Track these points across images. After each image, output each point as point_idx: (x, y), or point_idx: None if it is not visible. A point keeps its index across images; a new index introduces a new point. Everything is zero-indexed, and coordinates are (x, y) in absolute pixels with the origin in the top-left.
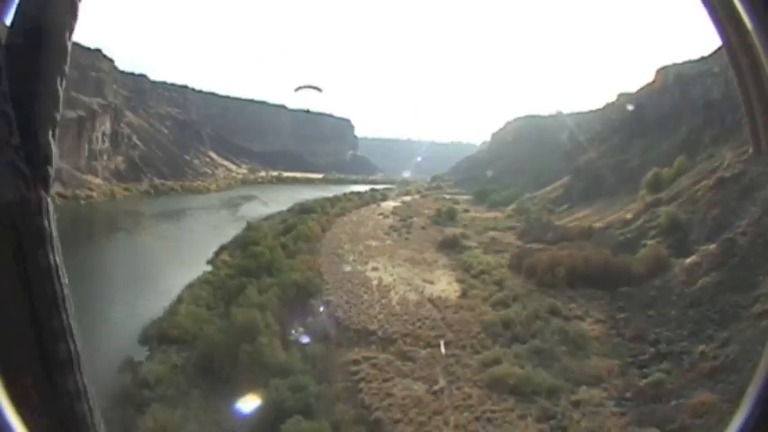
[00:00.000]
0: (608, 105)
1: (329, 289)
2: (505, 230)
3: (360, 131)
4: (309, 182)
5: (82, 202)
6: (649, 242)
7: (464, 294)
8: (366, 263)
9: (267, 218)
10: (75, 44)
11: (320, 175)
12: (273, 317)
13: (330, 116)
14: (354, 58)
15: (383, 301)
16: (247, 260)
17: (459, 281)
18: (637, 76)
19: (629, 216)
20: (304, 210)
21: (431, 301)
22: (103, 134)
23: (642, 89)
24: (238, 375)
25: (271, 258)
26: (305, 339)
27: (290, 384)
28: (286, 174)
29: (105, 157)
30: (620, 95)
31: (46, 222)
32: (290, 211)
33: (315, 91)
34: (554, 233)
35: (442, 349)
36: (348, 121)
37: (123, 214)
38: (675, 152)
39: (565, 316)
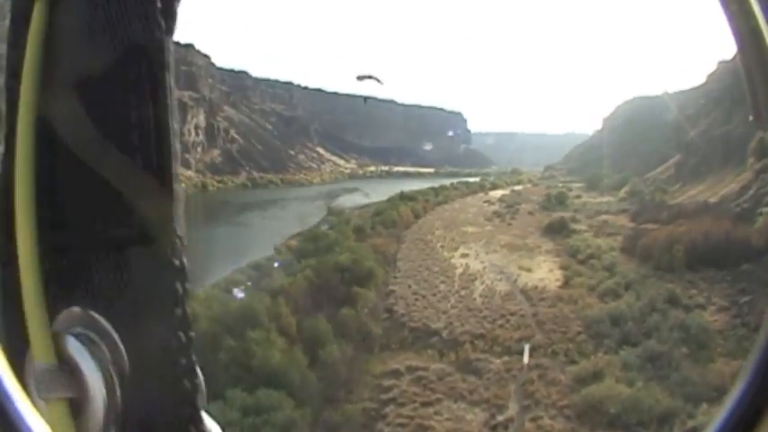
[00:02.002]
0: (710, 76)
1: (398, 277)
2: (618, 213)
3: (473, 126)
4: (420, 176)
5: None
6: (765, 210)
7: (566, 283)
8: (455, 249)
9: (363, 207)
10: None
11: (431, 169)
12: (292, 304)
13: (441, 110)
14: (465, 51)
15: (462, 292)
16: (307, 243)
17: (563, 268)
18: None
19: (739, 187)
20: (403, 198)
21: (523, 292)
22: (196, 127)
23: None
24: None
25: (331, 241)
26: (330, 337)
27: (242, 404)
28: (396, 168)
29: (199, 149)
30: (720, 63)
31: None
32: (389, 200)
33: (377, 82)
34: (668, 212)
35: (525, 357)
36: (460, 114)
37: (209, 204)
38: None
39: (685, 305)
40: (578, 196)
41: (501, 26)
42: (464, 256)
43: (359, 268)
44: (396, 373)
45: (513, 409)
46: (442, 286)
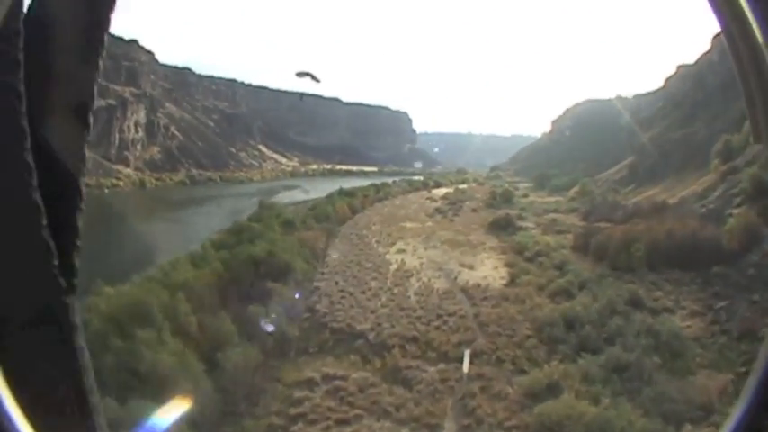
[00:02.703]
0: (668, 80)
1: (325, 272)
2: (568, 213)
3: (419, 126)
4: (364, 174)
5: (106, 190)
6: (735, 211)
7: (512, 282)
8: (392, 244)
9: (300, 203)
10: (109, 34)
11: (375, 168)
12: (195, 301)
13: (386, 109)
14: (412, 52)
15: (396, 290)
16: (229, 236)
17: (508, 265)
18: (695, 47)
19: (702, 189)
20: (341, 194)
21: (464, 290)
22: (136, 124)
23: (701, 58)
24: None
25: (254, 234)
26: (234, 339)
27: (107, 417)
28: (339, 167)
29: (139, 146)
30: (680, 67)
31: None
32: (328, 197)
33: (314, 80)
34: (623, 211)
35: (465, 365)
36: (405, 114)
37: (143, 201)
38: (743, 118)
39: (650, 308)
40: (525, 195)
41: (448, 27)
42: (401, 251)
43: (276, 261)
44: (310, 383)
45: (449, 429)
46: (374, 283)
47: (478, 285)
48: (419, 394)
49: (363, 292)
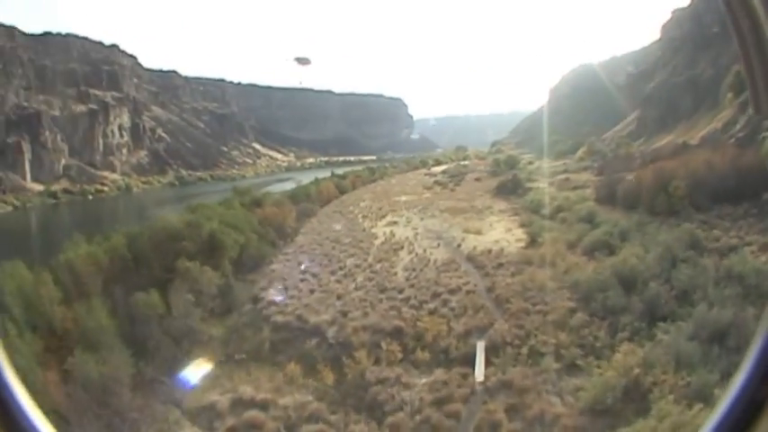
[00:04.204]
0: (664, 26)
1: (289, 253)
2: (579, 171)
3: (416, 112)
4: (362, 163)
5: (90, 197)
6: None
7: (533, 242)
8: (382, 217)
9: (288, 191)
10: (85, 39)
11: (374, 157)
12: (73, 286)
13: (380, 96)
14: (404, 38)
15: (378, 266)
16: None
17: (524, 225)
18: None
19: (722, 124)
20: (332, 177)
21: (471, 259)
22: (120, 127)
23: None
24: None
25: (208, 213)
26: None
27: None
28: (336, 158)
29: (125, 151)
30: (674, 12)
31: None
32: (314, 181)
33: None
34: (641, 159)
35: (479, 369)
36: (400, 100)
37: (124, 204)
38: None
39: (715, 250)
40: (530, 162)
41: (438, 11)
42: (391, 224)
43: (209, 239)
44: (209, 411)
45: None
46: (350, 261)
47: (489, 251)
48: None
49: (333, 273)
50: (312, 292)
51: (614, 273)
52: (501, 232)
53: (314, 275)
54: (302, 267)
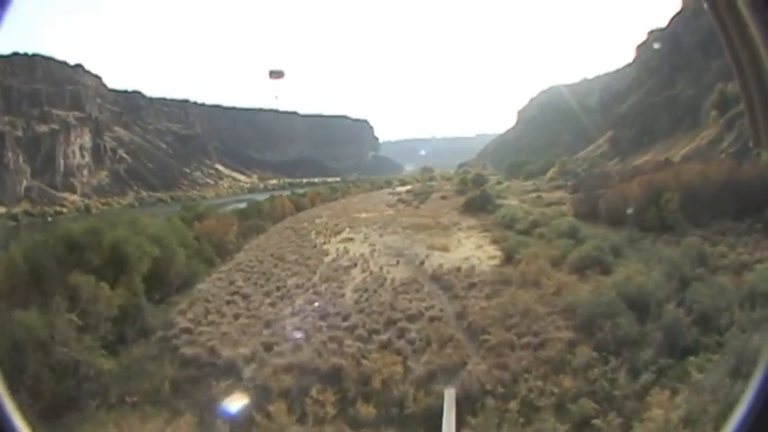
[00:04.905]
0: (639, 47)
1: (223, 270)
2: (551, 190)
3: (382, 135)
4: (327, 185)
5: (49, 218)
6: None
7: (509, 259)
8: (337, 234)
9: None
10: (50, 59)
11: (338, 179)
12: None
13: (345, 118)
14: (368, 61)
15: (324, 287)
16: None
17: (497, 241)
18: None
19: (706, 142)
20: (292, 196)
21: (436, 278)
22: (82, 148)
23: (673, 20)
24: None
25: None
26: None
27: None
28: (301, 180)
29: (86, 172)
30: (650, 33)
31: None
32: (269, 198)
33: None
34: (621, 176)
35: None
36: (366, 121)
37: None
38: (729, 69)
39: (726, 267)
40: (499, 182)
41: (404, 34)
42: (346, 240)
43: (116, 251)
44: None
45: None
46: (292, 280)
47: (458, 269)
48: None
49: (268, 294)
50: (237, 317)
51: (620, 294)
52: (471, 249)
53: (244, 297)
54: (232, 288)
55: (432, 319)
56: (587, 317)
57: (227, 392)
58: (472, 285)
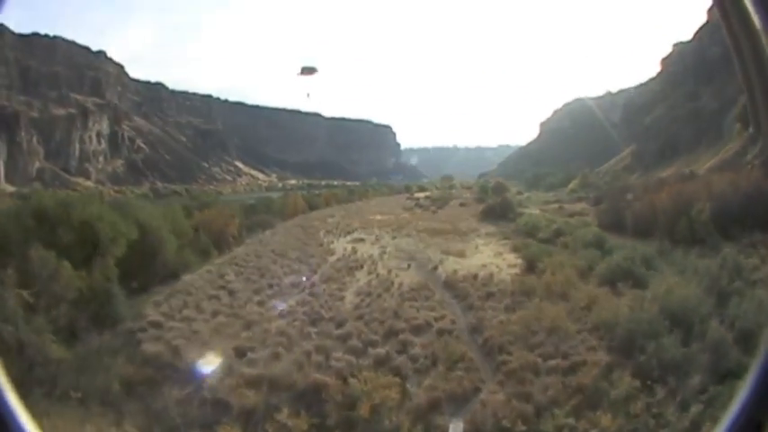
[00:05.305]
0: (664, 60)
1: (217, 263)
2: (573, 202)
3: (404, 142)
4: (346, 188)
5: None
6: None
7: (531, 268)
8: (347, 234)
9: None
10: (72, 43)
11: (358, 183)
12: None
13: (369, 122)
14: (395, 67)
15: (322, 287)
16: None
17: (517, 249)
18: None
19: (731, 155)
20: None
21: (450, 285)
22: (99, 134)
23: (698, 33)
24: None
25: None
26: None
27: None
28: (319, 182)
29: (101, 159)
30: (675, 46)
31: None
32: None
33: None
34: (644, 189)
35: None
36: (389, 127)
37: None
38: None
39: (762, 281)
40: (519, 193)
41: (431, 41)
42: (356, 241)
43: (75, 225)
44: None
45: None
46: (288, 279)
47: (474, 277)
48: None
49: (258, 291)
50: (215, 314)
51: (662, 310)
52: (489, 256)
53: (230, 293)
54: (220, 282)
55: (440, 333)
56: (624, 336)
57: (182, 403)
58: (490, 295)
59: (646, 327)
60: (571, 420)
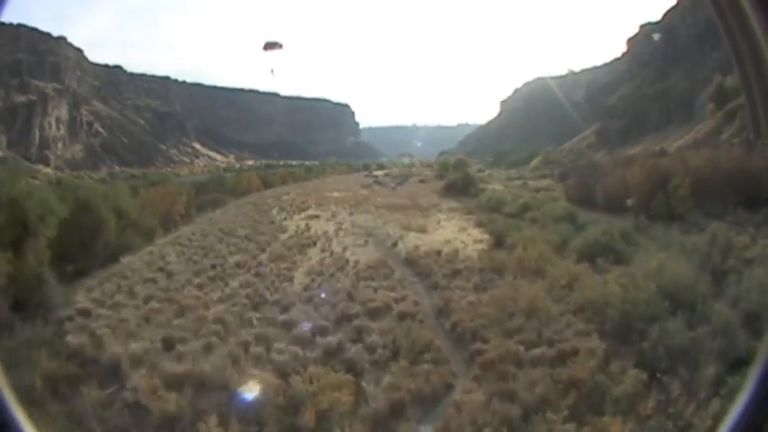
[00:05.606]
0: (630, 40)
1: (159, 244)
2: (537, 179)
3: (362, 121)
4: (303, 167)
5: None
6: None
7: (499, 244)
8: (302, 211)
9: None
10: (33, 29)
11: (316, 162)
12: None
13: (327, 101)
14: (352, 45)
15: (269, 267)
16: None
17: (483, 224)
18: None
19: (703, 134)
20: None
21: (411, 262)
22: (58, 120)
23: (669, 12)
24: None
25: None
26: None
27: None
28: (277, 162)
29: (60, 144)
30: (643, 26)
31: None
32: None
33: (280, 52)
34: (612, 166)
35: None
36: (347, 106)
37: None
38: (728, 62)
39: (756, 260)
40: (481, 170)
41: (388, 19)
42: (311, 218)
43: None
44: None
45: None
46: (233, 258)
47: (438, 253)
48: None
49: (198, 273)
50: (148, 300)
51: (660, 289)
52: (453, 231)
53: (169, 275)
54: (160, 263)
55: (402, 316)
56: (619, 319)
57: (103, 406)
58: (456, 273)
59: (643, 308)
60: (570, 427)
